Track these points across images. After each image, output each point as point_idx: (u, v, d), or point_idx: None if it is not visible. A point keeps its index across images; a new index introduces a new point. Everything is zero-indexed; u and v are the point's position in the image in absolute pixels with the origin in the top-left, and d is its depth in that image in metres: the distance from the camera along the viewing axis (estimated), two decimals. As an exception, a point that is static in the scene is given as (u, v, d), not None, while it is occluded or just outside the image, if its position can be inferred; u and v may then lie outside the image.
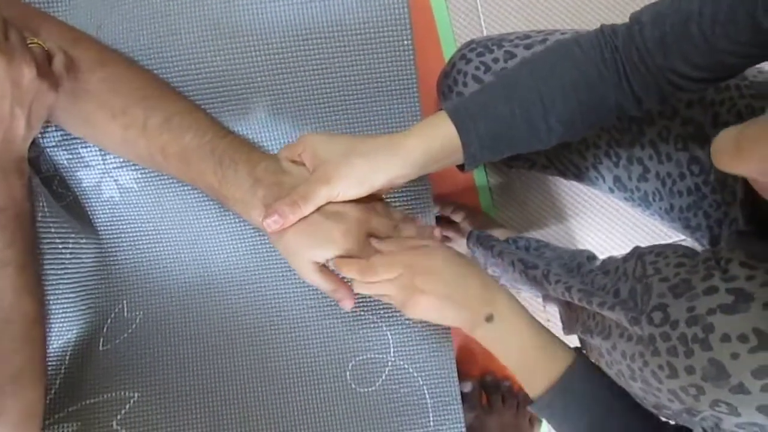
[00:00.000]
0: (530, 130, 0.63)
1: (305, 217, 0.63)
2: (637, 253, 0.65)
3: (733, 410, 0.51)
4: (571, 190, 1.18)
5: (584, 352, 0.71)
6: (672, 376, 0.54)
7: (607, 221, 1.19)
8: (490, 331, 0.65)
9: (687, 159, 0.77)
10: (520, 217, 1.17)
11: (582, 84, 0.62)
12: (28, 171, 0.62)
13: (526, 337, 0.64)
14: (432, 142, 0.62)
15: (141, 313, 0.78)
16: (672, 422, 0.62)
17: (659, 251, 0.63)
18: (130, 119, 0.65)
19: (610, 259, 0.70)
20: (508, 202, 1.16)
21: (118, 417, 0.71)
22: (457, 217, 1.07)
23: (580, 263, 0.76)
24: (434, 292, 0.63)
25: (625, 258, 0.67)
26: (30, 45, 0.58)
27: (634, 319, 0.58)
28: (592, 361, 0.68)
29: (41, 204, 0.67)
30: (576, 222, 1.19)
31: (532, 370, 0.65)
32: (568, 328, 0.77)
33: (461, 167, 0.65)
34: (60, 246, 0.70)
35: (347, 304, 0.66)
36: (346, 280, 0.66)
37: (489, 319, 0.64)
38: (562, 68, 0.62)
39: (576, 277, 0.72)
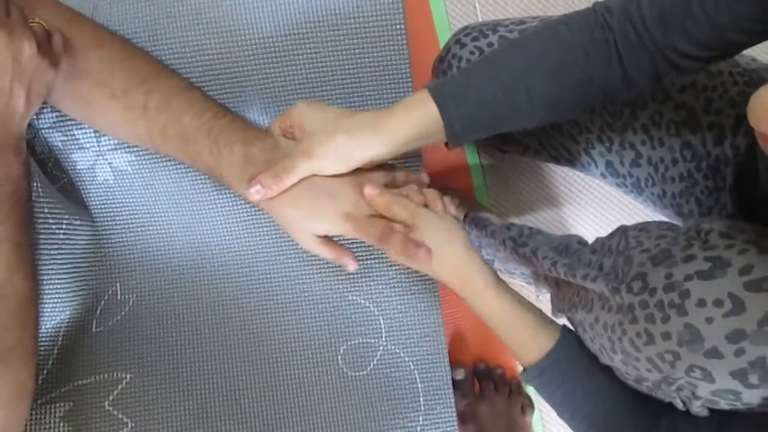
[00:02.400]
0: (513, 111, 0.63)
1: (300, 192, 0.63)
2: (622, 230, 0.66)
3: (707, 376, 0.52)
4: (564, 178, 1.18)
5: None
6: (649, 342, 0.55)
7: (600, 209, 1.19)
8: (465, 298, 0.67)
9: (679, 144, 0.77)
10: (513, 205, 1.17)
11: (566, 67, 0.61)
12: (25, 150, 0.62)
13: (509, 316, 0.66)
14: (414, 122, 0.63)
15: (134, 295, 0.78)
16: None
17: (642, 227, 0.64)
18: (130, 100, 0.65)
19: (598, 239, 0.71)
20: (501, 189, 1.16)
21: (110, 398, 0.72)
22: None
23: (568, 245, 0.76)
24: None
25: (611, 235, 0.67)
26: (31, 24, 0.59)
27: (615, 289, 0.58)
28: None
29: (35, 185, 0.67)
30: (569, 210, 1.19)
31: (516, 344, 0.67)
32: (557, 309, 0.77)
33: (447, 144, 0.66)
34: (54, 227, 0.71)
35: (352, 267, 0.67)
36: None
37: (463, 292, 0.66)
38: (546, 51, 0.62)
39: (564, 257, 0.72)
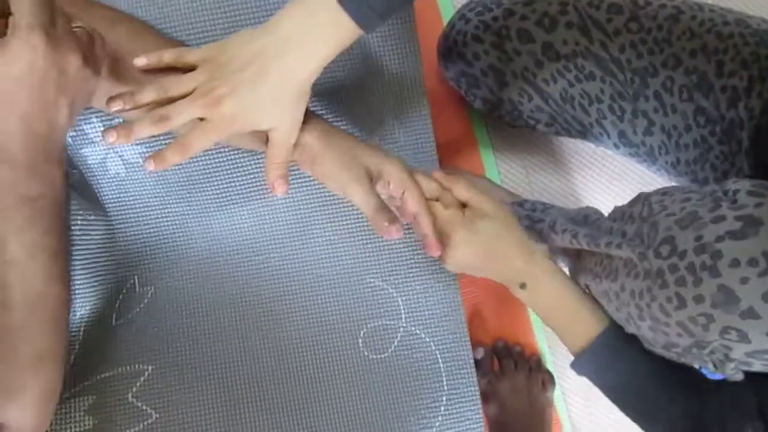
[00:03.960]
0: None
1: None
2: (643, 197, 0.65)
3: (743, 337, 0.51)
4: (575, 151, 1.17)
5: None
6: (680, 306, 0.54)
7: (614, 182, 1.19)
8: (524, 296, 0.69)
9: (692, 110, 0.76)
10: (523, 181, 1.16)
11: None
12: (66, 161, 0.61)
13: (563, 301, 0.68)
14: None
15: (152, 287, 0.78)
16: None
17: (665, 191, 0.63)
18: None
19: (617, 208, 0.70)
20: (511, 166, 1.16)
21: (133, 390, 0.72)
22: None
23: (586, 215, 0.76)
24: (473, 244, 0.68)
25: (631, 203, 0.67)
26: (74, 29, 0.56)
27: (642, 255, 0.58)
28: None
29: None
30: (581, 184, 1.18)
31: (569, 331, 0.69)
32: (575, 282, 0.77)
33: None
34: (69, 223, 0.71)
35: (393, 232, 0.62)
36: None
37: (522, 286, 0.69)
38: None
39: (583, 227, 0.72)
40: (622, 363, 0.66)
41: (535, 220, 0.82)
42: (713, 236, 0.53)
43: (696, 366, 0.59)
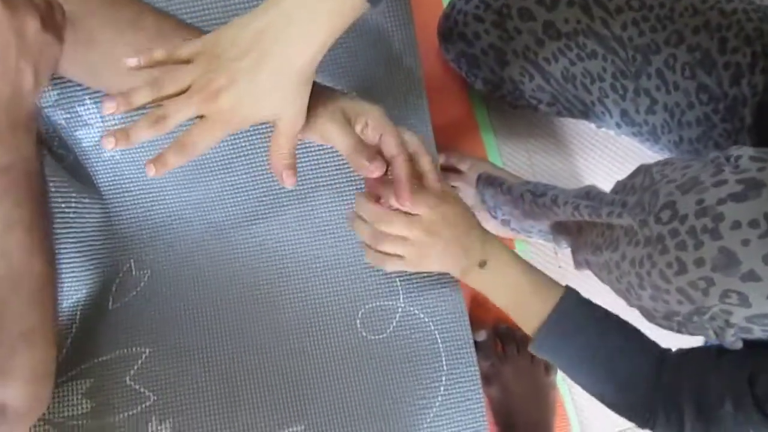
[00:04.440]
0: None
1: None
2: (644, 168, 0.65)
3: (743, 300, 0.51)
4: (577, 133, 1.16)
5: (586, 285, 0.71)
6: (681, 272, 0.54)
7: (617, 164, 1.18)
8: (482, 275, 0.68)
9: (695, 88, 0.75)
10: (525, 163, 1.15)
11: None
12: (36, 129, 0.60)
13: (519, 279, 0.67)
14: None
15: (149, 270, 0.78)
16: (677, 348, 0.62)
17: (666, 162, 0.63)
18: (141, 24, 0.62)
19: (618, 182, 0.70)
20: (513, 149, 1.15)
21: (131, 372, 0.72)
22: (463, 166, 1.06)
23: (588, 191, 0.75)
24: (442, 242, 0.66)
25: (632, 175, 0.66)
26: None
27: (643, 222, 0.57)
28: (601, 281, 0.69)
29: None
30: (584, 166, 1.17)
31: (526, 308, 0.68)
32: (578, 260, 0.76)
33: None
34: (63, 206, 0.70)
35: (373, 169, 0.60)
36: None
37: (482, 264, 0.67)
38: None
39: (585, 200, 0.72)
40: (593, 324, 0.65)
41: (537, 194, 0.81)
42: (715, 199, 0.52)
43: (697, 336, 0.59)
